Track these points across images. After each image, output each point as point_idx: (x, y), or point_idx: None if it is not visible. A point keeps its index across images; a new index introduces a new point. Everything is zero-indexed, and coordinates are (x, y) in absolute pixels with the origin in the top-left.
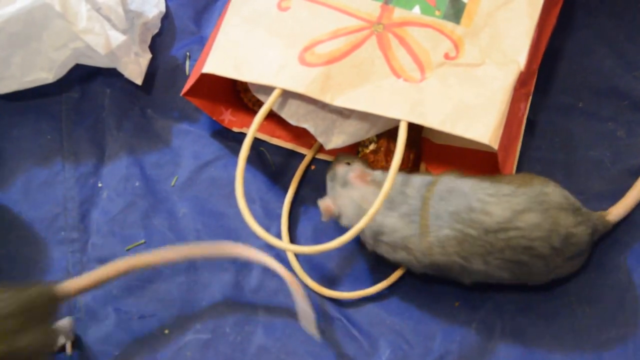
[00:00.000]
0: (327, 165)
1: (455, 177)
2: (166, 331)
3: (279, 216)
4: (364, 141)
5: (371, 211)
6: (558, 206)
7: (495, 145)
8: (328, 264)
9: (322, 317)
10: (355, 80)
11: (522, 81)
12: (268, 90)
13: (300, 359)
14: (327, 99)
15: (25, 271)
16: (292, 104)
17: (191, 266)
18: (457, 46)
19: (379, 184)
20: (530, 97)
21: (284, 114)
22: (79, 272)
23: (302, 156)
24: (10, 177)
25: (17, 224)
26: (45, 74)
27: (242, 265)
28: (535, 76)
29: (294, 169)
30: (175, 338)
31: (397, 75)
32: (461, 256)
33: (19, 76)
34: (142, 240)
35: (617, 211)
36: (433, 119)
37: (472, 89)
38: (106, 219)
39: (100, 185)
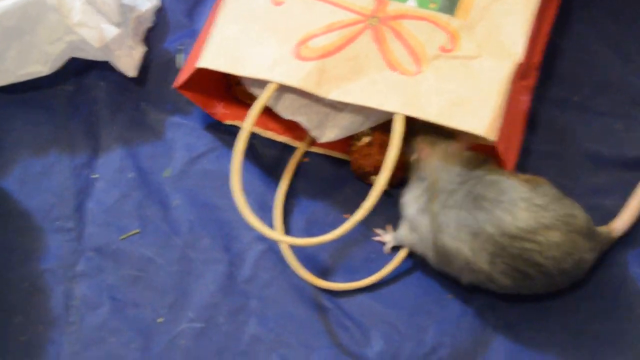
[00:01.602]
0: (321, 157)
1: (503, 174)
2: (160, 320)
3: (271, 208)
4: (357, 134)
5: (367, 205)
6: (580, 231)
7: (492, 137)
8: (322, 255)
9: (316, 308)
10: (350, 74)
11: (521, 73)
12: (262, 84)
13: (293, 349)
14: (322, 92)
15: (21, 260)
16: (286, 98)
17: (184, 257)
18: (453, 39)
19: None
20: (533, 91)
21: (278, 108)
22: (75, 261)
23: (295, 149)
24: (6, 168)
25: (14, 213)
26: (40, 67)
27: (235, 256)
28: (538, 70)
29: (286, 162)
30: (169, 327)
31: (392, 68)
32: (470, 247)
33: (14, 69)
34: (137, 230)
35: (621, 226)
36: (429, 112)
37: (469, 82)
38: (101, 209)
39: (95, 176)
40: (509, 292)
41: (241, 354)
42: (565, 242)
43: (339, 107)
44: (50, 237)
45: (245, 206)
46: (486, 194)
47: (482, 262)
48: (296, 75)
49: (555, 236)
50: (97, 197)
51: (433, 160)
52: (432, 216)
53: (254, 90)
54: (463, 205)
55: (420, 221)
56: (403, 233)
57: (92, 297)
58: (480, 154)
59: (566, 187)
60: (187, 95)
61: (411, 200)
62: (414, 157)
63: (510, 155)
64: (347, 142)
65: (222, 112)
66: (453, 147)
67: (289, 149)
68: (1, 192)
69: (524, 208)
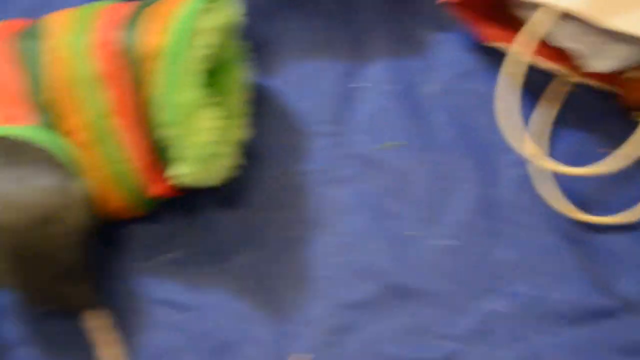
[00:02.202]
0: (586, 88)
1: None
2: (413, 233)
3: (529, 134)
4: (630, 67)
5: None
6: None
7: None
8: (578, 188)
9: (568, 239)
10: (632, 3)
11: None
12: (534, 8)
13: (540, 278)
14: (601, 20)
15: (286, 159)
16: (561, 24)
17: (442, 174)
18: None
19: None
20: None
21: (550, 35)
22: (336, 166)
23: (559, 76)
24: (277, 68)
25: (280, 113)
26: None
27: (493, 178)
28: None
29: (548, 89)
30: (421, 241)
31: None
32: None
33: None
34: (400, 142)
35: None
36: None
37: None
38: (364, 118)
39: (359, 85)
40: None
41: (488, 276)
42: None
43: (616, 37)
44: (314, 140)
45: (512, 128)
46: None
47: None
48: (578, 0)
49: None
50: (360, 106)
51: None
52: None
53: (522, 13)
54: None
55: None
56: None
57: (350, 203)
58: None
59: None
60: (454, 12)
61: None
62: None
63: None
64: (615, 75)
65: (489, 32)
66: None
67: (553, 76)
68: (269, 91)
69: None
